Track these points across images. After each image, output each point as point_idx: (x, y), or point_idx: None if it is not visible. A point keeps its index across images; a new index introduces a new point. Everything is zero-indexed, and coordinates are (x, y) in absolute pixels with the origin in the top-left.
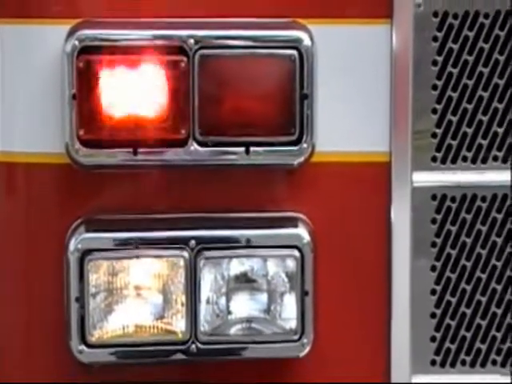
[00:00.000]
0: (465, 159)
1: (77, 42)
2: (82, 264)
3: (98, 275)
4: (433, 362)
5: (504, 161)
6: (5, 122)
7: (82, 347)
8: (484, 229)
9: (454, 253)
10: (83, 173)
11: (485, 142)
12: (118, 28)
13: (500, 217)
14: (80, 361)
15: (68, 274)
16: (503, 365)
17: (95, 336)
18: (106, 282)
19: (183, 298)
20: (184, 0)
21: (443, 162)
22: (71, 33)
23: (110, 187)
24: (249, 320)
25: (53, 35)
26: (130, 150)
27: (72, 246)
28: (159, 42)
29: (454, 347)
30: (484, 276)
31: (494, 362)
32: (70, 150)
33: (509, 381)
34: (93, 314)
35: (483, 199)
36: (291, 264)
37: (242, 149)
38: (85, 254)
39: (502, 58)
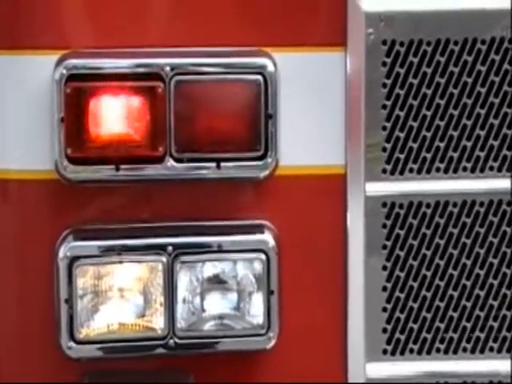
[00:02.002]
0: (411, 170)
1: (64, 71)
2: (70, 269)
3: (84, 279)
4: (384, 351)
5: (445, 171)
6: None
7: (71, 343)
8: (428, 232)
9: (402, 254)
10: (71, 187)
11: (428, 155)
12: (102, 57)
13: (442, 221)
14: (69, 356)
15: (58, 278)
16: (446, 352)
17: (83, 333)
18: (92, 285)
19: (162, 298)
20: (161, 31)
21: (392, 173)
22: (59, 62)
23: (95, 200)
24: (221, 317)
25: (43, 64)
26: (113, 166)
27: (61, 253)
28: (138, 70)
29: (402, 337)
30: (429, 274)
31: (438, 350)
32: (59, 167)
33: (451, 367)
34: (80, 313)
35: (427, 206)
36: (258, 266)
37: (214, 164)
38: (73, 260)
39: (442, 81)
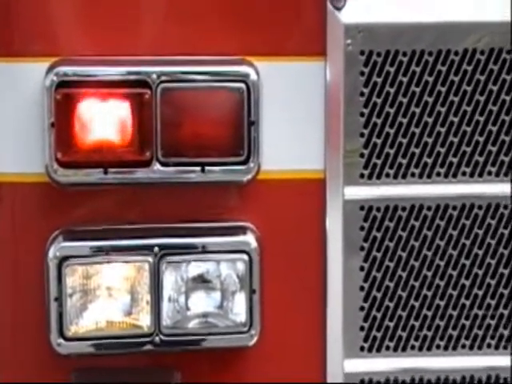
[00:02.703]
0: (387, 175)
1: (55, 78)
2: (60, 269)
3: (74, 278)
4: (362, 348)
5: (420, 176)
6: None
7: (61, 340)
8: (404, 234)
9: (378, 255)
10: (61, 190)
11: (404, 161)
12: (91, 65)
13: (417, 224)
14: (58, 352)
15: (48, 277)
16: (420, 349)
17: (72, 331)
18: (81, 284)
19: (148, 297)
20: (148, 40)
21: (369, 177)
22: (50, 69)
23: (84, 202)
24: (205, 315)
25: (34, 71)
26: (102, 170)
27: (51, 253)
28: (126, 77)
29: (379, 335)
30: (404, 274)
31: (413, 347)
32: (50, 170)
33: (425, 363)
34: (70, 311)
35: (403, 209)
36: (241, 267)
37: (199, 168)
38: (63, 260)
39: (417, 90)
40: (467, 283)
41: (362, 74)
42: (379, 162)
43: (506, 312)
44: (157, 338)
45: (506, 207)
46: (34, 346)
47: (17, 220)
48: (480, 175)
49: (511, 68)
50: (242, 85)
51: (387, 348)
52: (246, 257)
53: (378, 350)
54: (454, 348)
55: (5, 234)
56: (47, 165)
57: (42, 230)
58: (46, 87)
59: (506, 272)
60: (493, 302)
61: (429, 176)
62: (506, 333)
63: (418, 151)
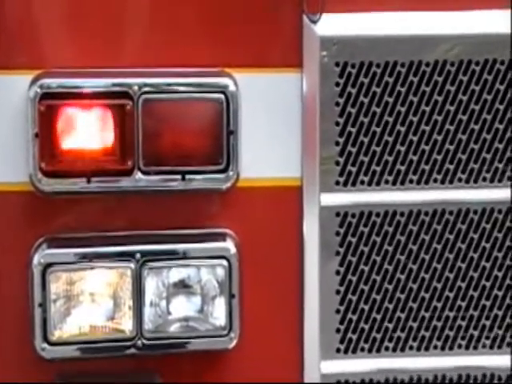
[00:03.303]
0: (362, 183)
1: (38, 89)
2: (44, 275)
3: (57, 284)
4: (338, 350)
5: (393, 183)
6: None
7: (45, 345)
8: (378, 239)
9: (354, 259)
10: (45, 198)
11: (378, 169)
12: (74, 77)
13: (390, 229)
14: (42, 357)
15: (32, 283)
16: (394, 350)
17: (56, 335)
18: (65, 290)
19: (130, 302)
20: (130, 53)
21: (345, 185)
22: (34, 81)
23: (67, 210)
24: (186, 319)
25: (18, 83)
26: (85, 179)
27: (36, 260)
28: (108, 89)
29: (354, 337)
30: (378, 278)
31: (387, 349)
32: (34, 179)
33: (399, 364)
34: (54, 316)
35: (377, 215)
36: (220, 272)
37: (179, 176)
38: (47, 267)
39: (390, 100)
40: (439, 286)
41: (337, 84)
42: (354, 169)
43: (475, 314)
44: (139, 342)
45: (475, 212)
46: (19, 350)
47: (1, 227)
48: (451, 182)
49: (480, 79)
50: (221, 95)
51: (362, 349)
52: (225, 262)
53: (354, 352)
54: (427, 349)
55: None
56: (31, 174)
57: (27, 238)
58: (30, 99)
59: (476, 275)
60: (463, 304)
61: (402, 183)
62: (476, 334)
63: (391, 159)
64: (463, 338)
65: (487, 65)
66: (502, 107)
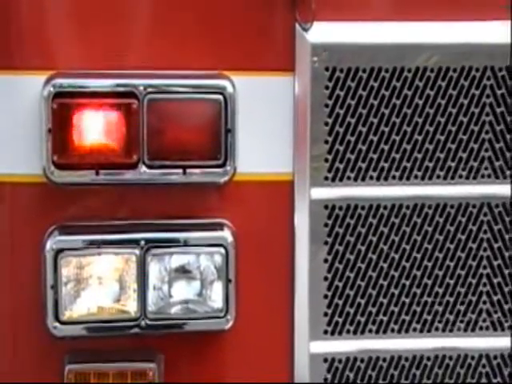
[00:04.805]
0: (349, 178)
1: (52, 89)
2: (55, 260)
3: (68, 268)
4: (325, 332)
5: (377, 179)
6: None
7: (56, 324)
8: (363, 230)
9: (341, 249)
10: (57, 189)
11: (363, 165)
12: (85, 78)
13: (374, 221)
14: (54, 335)
15: (45, 267)
16: (377, 332)
17: (66, 315)
18: (75, 274)
19: (135, 286)
20: (136, 56)
21: (333, 180)
22: (47, 81)
23: (77, 200)
24: (186, 302)
25: (33, 83)
26: (93, 171)
27: (48, 246)
28: (116, 89)
29: (340, 320)
30: (363, 266)
31: (370, 331)
32: (47, 171)
33: (381, 345)
34: (64, 298)
35: (362, 208)
36: (218, 259)
37: (181, 170)
38: (58, 252)
39: (375, 103)
40: (418, 273)
41: (327, 87)
42: (341, 166)
43: (451, 299)
44: (143, 322)
45: (452, 207)
46: (32, 329)
47: (17, 216)
48: (430, 178)
49: (456, 84)
50: (220, 96)
51: (348, 331)
52: (222, 250)
53: (340, 333)
54: (407, 331)
55: (6, 228)
56: (44, 167)
57: (40, 225)
58: (43, 97)
59: (452, 264)
60: (440, 290)
61: (385, 179)
62: (452, 318)
63: (375, 157)
64: (440, 322)
65: (463, 71)
66: (476, 110)
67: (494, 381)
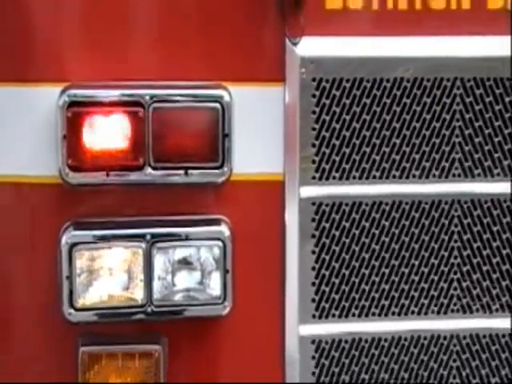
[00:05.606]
0: (334, 178)
1: (66, 98)
2: (70, 253)
3: (82, 261)
4: (313, 316)
5: (360, 178)
6: (15, 154)
7: (71, 310)
8: (347, 225)
9: (327, 241)
10: (71, 189)
11: (347, 166)
12: (96, 89)
13: (357, 217)
14: (69, 320)
15: (61, 260)
16: (360, 316)
17: (80, 303)
18: (88, 265)
19: (142, 276)
20: (142, 68)
21: (320, 179)
22: (62, 92)
23: (90, 199)
24: (187, 290)
25: (49, 94)
26: (104, 173)
27: (63, 240)
28: (124, 98)
29: (327, 305)
30: (347, 256)
31: (354, 315)
32: (62, 173)
33: (364, 328)
34: (78, 287)
35: (346, 205)
36: (217, 251)
37: (182, 171)
38: (72, 246)
39: (358, 110)
40: (396, 263)
41: (314, 96)
42: (327, 166)
43: (425, 286)
44: (149, 309)
45: (426, 203)
46: (49, 315)
47: (35, 213)
48: (407, 177)
49: (430, 93)
50: (218, 105)
51: (333, 315)
52: (220, 243)
53: (327, 317)
54: (386, 315)
55: (25, 225)
56: (60, 169)
57: (56, 222)
58: (59, 106)
59: (426, 254)
60: (416, 278)
61: (366, 178)
62: (426, 302)
63: (358, 158)
64: (415, 306)
65: (436, 82)
66: (448, 117)
67: (463, 357)
